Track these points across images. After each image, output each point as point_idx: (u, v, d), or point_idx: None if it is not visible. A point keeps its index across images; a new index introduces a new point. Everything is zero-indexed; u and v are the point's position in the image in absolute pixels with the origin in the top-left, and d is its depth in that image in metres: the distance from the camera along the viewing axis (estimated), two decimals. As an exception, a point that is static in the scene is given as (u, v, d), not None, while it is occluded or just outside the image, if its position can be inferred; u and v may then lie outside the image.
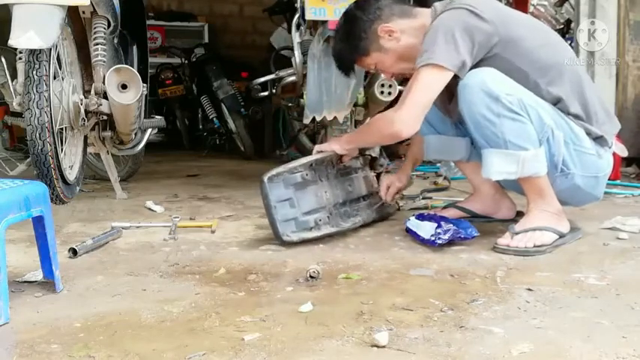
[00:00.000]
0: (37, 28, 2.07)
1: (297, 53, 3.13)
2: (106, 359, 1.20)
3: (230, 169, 4.41)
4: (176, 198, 3.06)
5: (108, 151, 3.02)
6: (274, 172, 2.07)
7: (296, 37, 3.18)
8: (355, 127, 2.88)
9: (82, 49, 2.58)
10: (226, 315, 1.43)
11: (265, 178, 2.04)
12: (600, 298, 1.54)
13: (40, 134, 2.15)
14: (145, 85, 2.92)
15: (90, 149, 2.97)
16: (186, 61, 5.75)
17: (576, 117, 2.04)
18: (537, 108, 1.97)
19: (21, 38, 2.06)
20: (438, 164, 3.69)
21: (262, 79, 4.40)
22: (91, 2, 2.33)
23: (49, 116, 2.18)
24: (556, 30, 4.70)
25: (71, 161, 2.54)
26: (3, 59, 2.52)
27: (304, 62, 3.02)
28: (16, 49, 2.18)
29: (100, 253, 2.00)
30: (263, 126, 5.37)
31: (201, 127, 5.86)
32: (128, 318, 1.42)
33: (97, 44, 2.50)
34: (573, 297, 1.55)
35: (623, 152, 2.28)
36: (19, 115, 2.37)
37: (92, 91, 2.55)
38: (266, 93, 4.57)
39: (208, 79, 5.25)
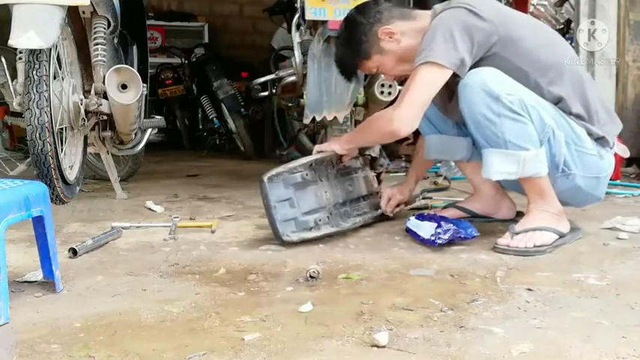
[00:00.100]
0: (37, 28, 2.07)
1: (297, 53, 3.13)
2: (106, 359, 1.20)
3: (230, 169, 4.41)
4: (176, 198, 3.06)
5: (108, 151, 3.02)
6: (274, 172, 2.07)
7: (296, 37, 3.18)
8: (355, 127, 2.88)
9: (82, 49, 2.58)
10: (226, 315, 1.43)
11: (265, 178, 2.04)
12: (600, 298, 1.54)
13: (40, 134, 2.15)
14: (145, 85, 2.92)
15: (90, 149, 2.97)
16: (186, 61, 5.75)
17: (578, 117, 2.04)
18: (538, 108, 1.97)
19: (21, 38, 2.06)
20: (438, 164, 3.68)
21: (262, 79, 4.40)
22: (91, 2, 2.33)
23: (49, 116, 2.18)
24: (556, 30, 4.70)
25: (71, 161, 2.54)
26: (3, 59, 2.53)
27: (304, 62, 3.02)
28: (16, 49, 2.18)
29: (100, 253, 2.00)
30: (263, 126, 5.37)
31: (201, 127, 5.86)
32: (128, 318, 1.42)
33: (97, 44, 2.50)
34: (573, 297, 1.55)
35: (625, 153, 2.28)
36: (19, 115, 2.37)
37: (92, 91, 2.55)
38: (266, 93, 4.57)
39: (208, 79, 5.25)
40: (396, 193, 2.43)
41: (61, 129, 2.40)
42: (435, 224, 2.06)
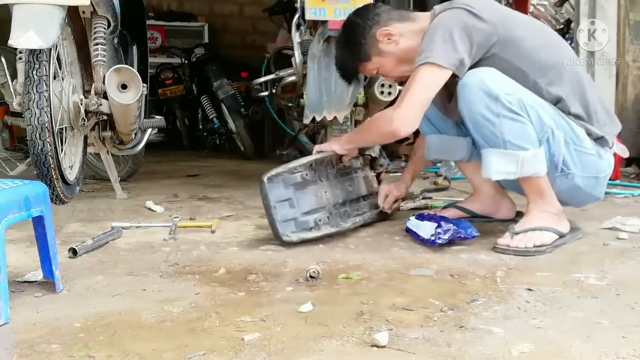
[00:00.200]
0: (37, 28, 2.07)
1: (297, 53, 3.13)
2: (106, 359, 1.21)
3: (230, 169, 4.41)
4: (176, 198, 3.06)
5: (108, 151, 3.02)
6: (274, 172, 2.07)
7: (296, 37, 3.18)
8: (355, 127, 2.88)
9: (82, 49, 2.58)
10: (226, 315, 1.43)
11: (265, 179, 2.04)
12: (600, 298, 1.54)
13: (40, 134, 2.15)
14: (145, 85, 2.92)
15: (90, 149, 2.97)
16: (186, 61, 5.75)
17: (577, 117, 2.04)
18: (537, 108, 1.97)
19: (21, 38, 2.06)
20: (438, 164, 3.68)
21: (262, 79, 4.40)
22: (91, 2, 2.33)
23: (49, 116, 2.18)
24: (556, 30, 4.71)
25: (71, 161, 2.54)
26: (3, 59, 2.53)
27: (304, 62, 3.02)
28: (16, 49, 2.18)
29: (100, 253, 2.00)
30: (263, 126, 5.37)
31: (201, 127, 5.86)
32: (128, 318, 1.42)
33: (97, 44, 2.51)
34: (573, 297, 1.55)
35: (625, 153, 2.28)
36: (19, 115, 2.37)
37: (92, 91, 2.55)
38: (266, 93, 4.57)
39: (208, 79, 5.25)
40: (393, 189, 2.43)
41: (61, 129, 2.40)
42: (435, 224, 2.07)
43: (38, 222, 1.57)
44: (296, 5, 3.08)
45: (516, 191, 2.26)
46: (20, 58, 2.20)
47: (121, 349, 1.24)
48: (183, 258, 1.93)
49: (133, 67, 2.97)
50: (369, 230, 2.30)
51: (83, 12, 2.47)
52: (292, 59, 3.23)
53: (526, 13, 4.71)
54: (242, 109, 5.13)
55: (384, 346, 1.24)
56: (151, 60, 3.38)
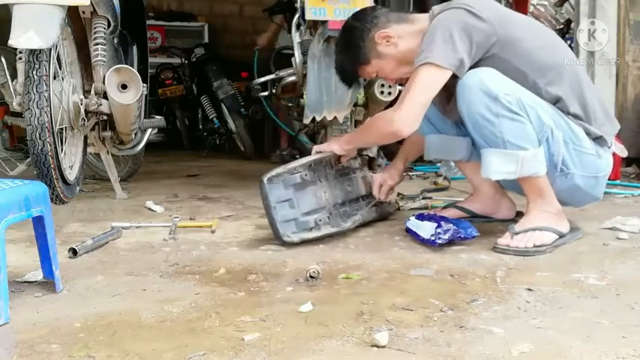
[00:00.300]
0: (37, 28, 2.07)
1: (297, 53, 3.13)
2: (106, 359, 1.21)
3: (230, 169, 4.41)
4: (176, 198, 3.06)
5: (108, 151, 3.02)
6: (274, 172, 2.07)
7: (296, 37, 3.18)
8: (355, 127, 2.88)
9: (82, 49, 2.58)
10: (226, 315, 1.43)
11: (265, 179, 2.04)
12: (600, 298, 1.54)
13: (40, 134, 2.15)
14: (145, 85, 2.92)
15: (90, 149, 2.97)
16: (186, 61, 5.75)
17: (576, 117, 2.04)
18: (536, 108, 1.97)
19: (21, 38, 2.06)
20: (438, 164, 3.69)
21: (262, 79, 4.40)
22: (91, 2, 2.33)
23: (49, 116, 2.18)
24: (556, 30, 4.71)
25: (71, 161, 2.54)
26: (3, 59, 2.52)
27: (304, 62, 3.02)
28: (16, 49, 2.18)
29: (100, 253, 2.00)
30: (263, 126, 5.37)
31: (201, 127, 5.86)
32: (128, 318, 1.42)
33: (97, 44, 2.50)
34: (573, 297, 1.55)
35: (623, 152, 2.29)
36: (19, 115, 2.37)
37: (92, 91, 2.55)
38: (266, 93, 4.57)
39: (208, 79, 5.25)
40: (387, 178, 2.40)
41: (61, 129, 2.40)
42: (435, 224, 2.07)
43: (38, 222, 1.57)
44: (296, 5, 3.09)
45: (516, 191, 2.26)
46: (20, 58, 2.20)
47: (121, 349, 1.24)
48: (183, 258, 1.93)
49: (133, 67, 2.97)
50: (369, 230, 2.30)
51: (83, 12, 2.46)
52: (292, 59, 3.23)
53: (526, 14, 4.71)
54: (242, 109, 5.13)
55: (384, 346, 1.24)
56: (151, 60, 3.38)
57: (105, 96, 2.56)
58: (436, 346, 1.25)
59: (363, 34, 2.12)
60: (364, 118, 2.92)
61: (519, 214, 2.31)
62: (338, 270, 1.80)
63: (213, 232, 2.28)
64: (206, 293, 1.60)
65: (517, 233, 1.99)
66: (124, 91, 2.52)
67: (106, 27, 2.53)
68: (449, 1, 2.09)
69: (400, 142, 3.85)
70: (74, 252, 1.93)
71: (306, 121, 2.94)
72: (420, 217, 2.18)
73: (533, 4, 6.12)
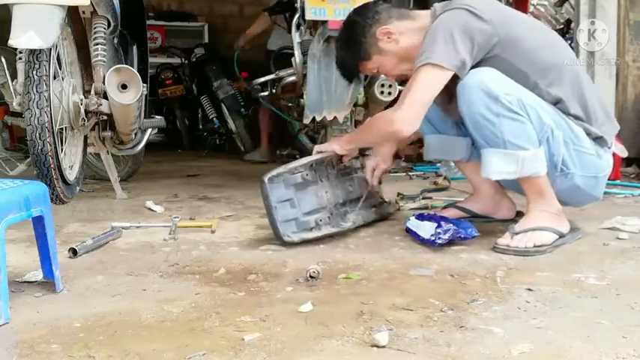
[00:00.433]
0: (37, 28, 2.07)
1: (297, 53, 3.13)
2: (106, 359, 1.20)
3: (230, 169, 4.41)
4: (176, 198, 3.06)
5: (108, 151, 3.02)
6: (274, 172, 2.07)
7: (296, 37, 3.18)
8: (355, 127, 2.88)
9: (82, 49, 2.58)
10: (226, 315, 1.43)
11: (266, 179, 2.04)
12: (600, 298, 1.54)
13: (40, 134, 2.15)
14: (145, 85, 2.92)
15: (90, 149, 2.97)
16: (186, 61, 5.75)
17: (576, 117, 2.04)
18: (537, 108, 1.97)
19: (21, 38, 2.06)
20: (438, 164, 3.68)
21: (262, 79, 4.40)
22: (91, 2, 2.33)
23: (49, 116, 2.18)
24: (556, 30, 4.71)
25: (71, 161, 2.54)
26: (3, 59, 2.53)
27: (304, 62, 3.02)
28: (16, 49, 2.18)
29: (100, 253, 2.00)
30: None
31: (201, 127, 5.86)
32: (128, 318, 1.42)
33: (97, 44, 2.50)
34: (573, 297, 1.55)
35: (623, 153, 2.28)
36: (19, 115, 2.37)
37: (92, 91, 2.55)
38: (266, 93, 4.57)
39: (208, 79, 5.25)
40: (379, 162, 2.37)
41: (61, 129, 2.40)
42: (435, 224, 2.06)
43: (38, 222, 1.57)
44: (296, 5, 3.08)
45: (516, 191, 2.26)
46: (20, 58, 2.20)
47: (121, 349, 1.24)
48: (183, 258, 1.93)
49: (133, 67, 2.97)
50: (369, 230, 2.30)
51: (83, 12, 2.47)
52: (292, 59, 3.23)
53: (526, 13, 4.71)
54: (242, 109, 5.13)
55: (384, 346, 1.24)
56: (151, 60, 3.38)
57: (105, 96, 2.56)
58: (436, 346, 1.25)
59: (364, 29, 2.11)
60: (364, 118, 2.92)
61: (519, 214, 2.31)
62: (338, 270, 1.80)
63: (213, 232, 2.28)
64: (206, 293, 1.60)
65: (517, 233, 1.99)
66: (124, 91, 2.52)
67: (106, 27, 2.53)
68: (450, 0, 2.08)
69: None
70: (74, 252, 1.93)
71: (306, 121, 2.94)
72: (420, 217, 2.18)
73: (533, 4, 6.11)
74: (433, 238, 2.01)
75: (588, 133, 2.05)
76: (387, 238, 2.18)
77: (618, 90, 3.89)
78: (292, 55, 3.24)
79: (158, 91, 5.62)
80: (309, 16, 2.74)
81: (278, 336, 1.31)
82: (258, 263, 1.87)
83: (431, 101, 2.00)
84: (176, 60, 5.93)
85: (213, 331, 1.34)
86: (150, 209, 2.71)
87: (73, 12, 2.39)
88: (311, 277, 1.69)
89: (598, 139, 2.07)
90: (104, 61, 2.53)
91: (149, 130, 3.24)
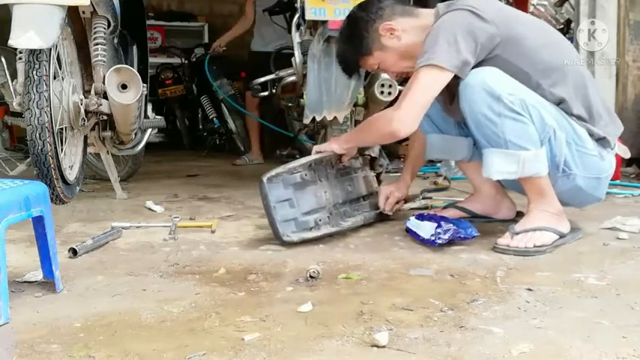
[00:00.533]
0: (37, 28, 2.07)
1: (297, 53, 3.12)
2: (106, 359, 1.20)
3: (230, 169, 4.41)
4: (176, 198, 3.06)
5: (108, 151, 3.02)
6: (273, 172, 2.07)
7: (296, 37, 3.18)
8: (355, 127, 2.87)
9: (82, 49, 2.58)
10: (226, 315, 1.43)
11: (264, 179, 2.04)
12: (600, 298, 1.54)
13: (40, 134, 2.15)
14: (145, 85, 2.92)
15: (90, 149, 2.97)
16: (186, 61, 5.74)
17: (579, 118, 2.04)
18: (539, 108, 1.96)
19: (21, 38, 2.06)
20: (438, 164, 3.68)
21: (262, 79, 4.40)
22: (91, 2, 2.33)
23: (49, 116, 2.18)
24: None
25: (71, 161, 2.54)
26: (3, 59, 2.53)
27: (304, 62, 3.02)
28: (16, 49, 2.18)
29: (100, 253, 2.00)
30: (263, 126, 5.36)
31: (201, 127, 5.86)
32: (128, 318, 1.42)
33: (97, 44, 2.51)
34: (573, 297, 1.55)
35: (626, 154, 2.28)
36: (19, 115, 2.37)
37: (92, 91, 2.55)
38: (266, 93, 4.57)
39: (208, 79, 5.24)
40: (394, 190, 2.42)
41: (61, 129, 2.40)
42: (435, 224, 2.06)
43: (38, 222, 1.57)
44: (296, 5, 3.08)
45: (517, 191, 2.26)
46: (20, 58, 2.20)
47: (121, 349, 1.24)
48: (183, 258, 1.93)
49: (133, 67, 2.97)
50: (369, 230, 2.30)
51: (83, 12, 2.47)
52: (292, 59, 3.23)
53: (526, 13, 4.71)
54: (242, 109, 5.13)
55: (384, 346, 1.24)
56: (151, 60, 3.38)
57: (105, 96, 2.56)
58: (436, 346, 1.25)
59: (367, 24, 2.11)
60: (364, 118, 2.91)
61: (519, 214, 2.31)
62: (338, 270, 1.80)
63: (213, 232, 2.28)
64: (206, 293, 1.60)
65: (517, 233, 1.99)
66: (124, 91, 2.52)
67: (106, 27, 2.53)
68: (453, 1, 2.08)
69: (400, 142, 3.84)
70: (74, 252, 1.93)
71: (306, 121, 2.94)
72: (420, 217, 2.18)
73: (533, 4, 6.11)
74: (433, 238, 2.01)
75: (591, 134, 2.04)
76: (387, 238, 2.18)
77: (618, 90, 3.89)
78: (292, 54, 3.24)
79: (158, 91, 5.62)
80: (309, 16, 2.74)
81: (278, 336, 1.31)
82: (258, 263, 1.87)
83: (431, 102, 2.00)
84: (176, 60, 5.93)
85: (213, 331, 1.34)
86: (150, 209, 2.71)
87: (73, 12, 2.39)
88: (311, 277, 1.69)
89: (601, 140, 2.07)
90: (104, 61, 2.53)
91: (149, 130, 3.24)
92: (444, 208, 2.47)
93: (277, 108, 4.40)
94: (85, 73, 2.63)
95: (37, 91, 2.13)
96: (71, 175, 2.46)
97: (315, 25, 2.95)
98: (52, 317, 1.42)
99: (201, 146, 5.71)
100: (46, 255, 1.60)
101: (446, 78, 1.95)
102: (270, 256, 1.95)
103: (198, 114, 5.84)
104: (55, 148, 2.23)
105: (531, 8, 5.86)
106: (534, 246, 1.95)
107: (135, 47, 3.17)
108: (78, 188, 2.55)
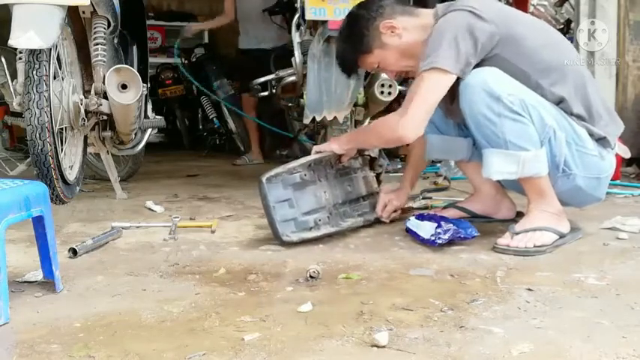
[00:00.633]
0: (37, 28, 2.07)
1: (297, 53, 3.13)
2: (106, 359, 1.21)
3: (230, 169, 4.41)
4: (176, 198, 3.06)
5: (108, 151, 3.02)
6: (273, 172, 2.07)
7: (296, 37, 3.18)
8: (355, 127, 2.88)
9: (82, 49, 2.58)
10: (226, 315, 1.43)
11: (264, 179, 2.04)
12: (600, 298, 1.54)
13: (40, 134, 2.15)
14: (145, 85, 2.92)
15: (90, 149, 2.97)
16: (186, 61, 5.75)
17: (579, 118, 2.04)
18: (539, 108, 1.96)
19: (21, 38, 2.06)
20: (438, 164, 3.68)
21: (262, 79, 4.40)
22: (91, 2, 2.33)
23: (49, 116, 2.18)
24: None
25: (71, 161, 2.54)
26: (3, 59, 2.53)
27: (304, 62, 3.02)
28: (16, 49, 2.18)
29: (100, 253, 2.00)
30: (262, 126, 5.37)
31: (201, 127, 5.86)
32: (128, 318, 1.42)
33: (97, 44, 2.51)
34: (573, 297, 1.55)
35: (626, 154, 2.28)
36: (19, 115, 2.37)
37: (92, 91, 2.55)
38: (266, 93, 4.57)
39: (208, 79, 5.24)
40: (393, 198, 2.41)
41: (61, 129, 2.41)
42: (435, 224, 2.06)
43: (38, 222, 1.57)
44: (296, 5, 3.08)
45: (517, 191, 2.26)
46: (20, 58, 2.20)
47: (121, 349, 1.24)
48: (183, 258, 1.93)
49: (133, 67, 2.97)
50: (369, 230, 2.30)
51: (83, 12, 2.47)
52: (292, 59, 3.23)
53: (526, 13, 4.71)
54: (239, 111, 5.13)
55: (384, 346, 1.24)
56: (150, 60, 3.38)
57: (105, 96, 2.56)
58: (436, 346, 1.25)
59: (367, 22, 2.11)
60: (364, 118, 2.92)
61: (519, 214, 2.30)
62: (338, 270, 1.80)
63: (213, 232, 2.28)
64: (206, 293, 1.60)
65: (517, 233, 1.99)
66: (124, 91, 2.52)
67: (106, 27, 2.53)
68: (452, 1, 2.08)
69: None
70: (74, 252, 1.93)
71: (306, 121, 2.94)
72: (420, 217, 2.18)
73: (533, 4, 6.12)
74: (433, 238, 2.01)
75: (591, 134, 2.04)
76: (387, 238, 2.18)
77: (618, 90, 3.89)
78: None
79: (158, 91, 5.62)
80: (309, 16, 2.74)
81: (278, 336, 1.31)
82: (258, 263, 1.87)
83: (435, 106, 2.00)
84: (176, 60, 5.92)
85: (213, 331, 1.34)
86: (150, 209, 2.71)
87: (73, 12, 2.39)
88: (311, 277, 1.69)
89: (601, 140, 2.06)
90: (104, 61, 2.53)
91: (149, 130, 3.25)
92: (444, 208, 2.47)
93: (276, 108, 4.41)
94: (85, 73, 2.63)
95: (37, 91, 2.13)
96: (71, 175, 2.46)
97: (315, 25, 2.95)
98: (52, 317, 1.42)
99: (201, 146, 5.72)
100: (46, 255, 1.60)
101: (450, 81, 1.95)
102: (270, 256, 1.95)
103: (198, 114, 5.85)
104: (55, 148, 2.23)
105: (531, 8, 5.86)
106: (534, 246, 1.95)
107: (135, 47, 3.17)
108: (78, 188, 2.55)
